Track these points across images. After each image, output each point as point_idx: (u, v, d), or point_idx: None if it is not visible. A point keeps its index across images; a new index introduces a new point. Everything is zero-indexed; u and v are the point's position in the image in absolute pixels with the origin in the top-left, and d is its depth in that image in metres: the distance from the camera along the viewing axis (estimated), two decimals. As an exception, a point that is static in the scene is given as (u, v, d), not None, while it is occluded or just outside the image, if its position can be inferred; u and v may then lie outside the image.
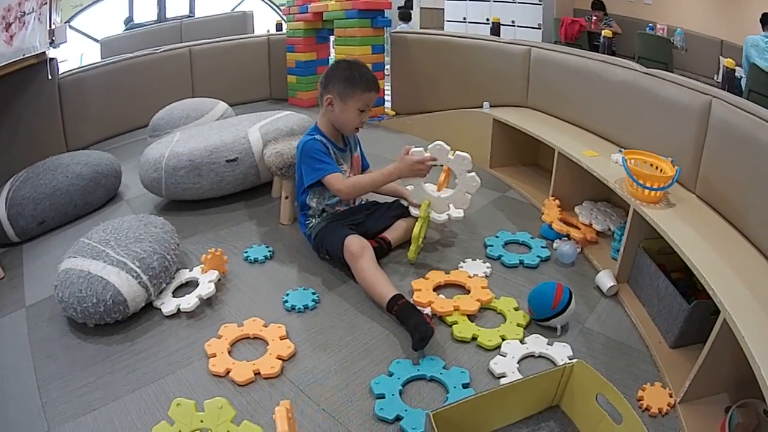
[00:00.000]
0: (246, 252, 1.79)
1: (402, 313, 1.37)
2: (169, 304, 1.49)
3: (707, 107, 1.57)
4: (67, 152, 2.31)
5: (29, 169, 2.10)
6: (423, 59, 3.19)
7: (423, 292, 1.53)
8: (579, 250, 1.78)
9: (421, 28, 7.39)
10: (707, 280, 1.14)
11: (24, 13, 2.15)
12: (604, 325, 1.45)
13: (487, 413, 1.06)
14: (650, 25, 5.35)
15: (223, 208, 2.13)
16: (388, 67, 3.45)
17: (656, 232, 1.39)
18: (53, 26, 2.45)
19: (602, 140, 2.07)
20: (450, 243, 1.86)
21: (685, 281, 1.40)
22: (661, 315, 1.38)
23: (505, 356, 1.31)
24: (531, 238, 1.88)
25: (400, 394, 1.19)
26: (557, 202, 1.97)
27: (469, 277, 1.63)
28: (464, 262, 1.72)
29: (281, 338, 1.37)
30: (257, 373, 1.26)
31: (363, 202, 1.85)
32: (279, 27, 6.08)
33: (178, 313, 1.48)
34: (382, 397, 1.18)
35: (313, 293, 1.56)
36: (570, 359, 1.29)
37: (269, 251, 1.80)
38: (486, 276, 1.65)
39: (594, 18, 5.58)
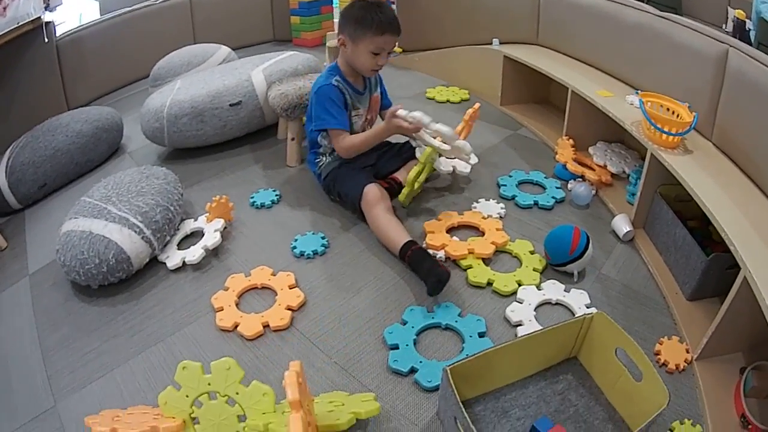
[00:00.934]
0: (252, 197, 1.74)
1: (414, 258, 1.34)
2: (174, 258, 1.45)
3: (724, 56, 1.46)
4: (67, 112, 2.23)
5: (28, 134, 2.01)
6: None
7: (436, 235, 1.48)
8: (594, 192, 1.71)
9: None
10: (728, 234, 1.08)
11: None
12: (620, 272, 1.41)
13: (504, 366, 1.04)
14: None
15: (228, 153, 2.05)
16: (394, 5, 3.24)
17: (673, 177, 1.32)
18: (47, -10, 2.33)
19: (615, 80, 1.96)
20: (462, 182, 1.80)
21: (701, 231, 1.34)
22: (678, 265, 1.34)
23: (521, 303, 1.28)
24: (545, 177, 1.82)
25: (415, 344, 1.17)
26: (571, 141, 1.88)
27: (483, 218, 1.58)
28: (477, 202, 1.67)
29: (290, 287, 1.34)
30: (266, 326, 1.23)
31: None
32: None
33: (184, 266, 1.45)
34: (395, 347, 1.16)
35: (323, 237, 1.53)
36: (587, 307, 1.26)
37: (276, 195, 1.74)
38: (500, 217, 1.61)
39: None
